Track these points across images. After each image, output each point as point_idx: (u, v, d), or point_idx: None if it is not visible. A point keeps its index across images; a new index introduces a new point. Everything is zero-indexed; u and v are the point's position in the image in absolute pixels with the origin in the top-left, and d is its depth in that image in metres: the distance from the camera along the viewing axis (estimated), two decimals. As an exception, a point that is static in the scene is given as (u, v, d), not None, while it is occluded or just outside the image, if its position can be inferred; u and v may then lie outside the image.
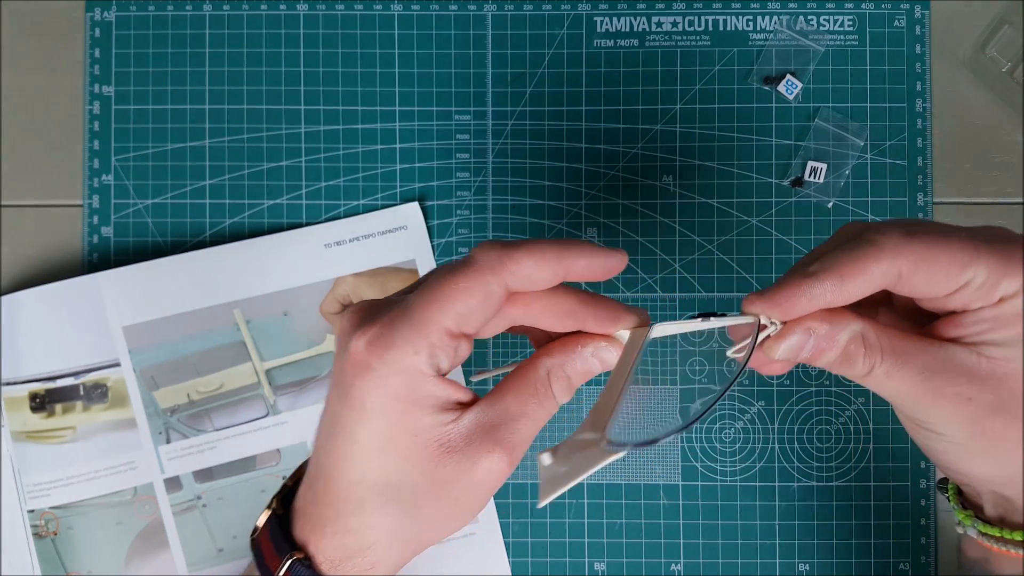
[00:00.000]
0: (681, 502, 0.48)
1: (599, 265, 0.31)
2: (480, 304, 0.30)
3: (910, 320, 0.33)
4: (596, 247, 0.31)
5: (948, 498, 0.36)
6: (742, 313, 0.31)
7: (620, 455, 0.29)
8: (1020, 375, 0.29)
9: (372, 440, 0.30)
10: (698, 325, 0.31)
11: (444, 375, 0.31)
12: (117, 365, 0.48)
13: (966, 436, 0.30)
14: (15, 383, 0.48)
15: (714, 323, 0.31)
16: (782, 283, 0.30)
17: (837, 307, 0.30)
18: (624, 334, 0.32)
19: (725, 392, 0.32)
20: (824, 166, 0.49)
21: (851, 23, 0.50)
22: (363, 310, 0.31)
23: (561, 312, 0.31)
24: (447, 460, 0.30)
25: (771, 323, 0.30)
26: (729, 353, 0.31)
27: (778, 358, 0.31)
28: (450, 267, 0.30)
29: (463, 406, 0.31)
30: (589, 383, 0.47)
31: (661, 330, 0.32)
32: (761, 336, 0.30)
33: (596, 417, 0.30)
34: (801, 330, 0.30)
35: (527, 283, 0.30)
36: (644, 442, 0.29)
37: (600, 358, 0.32)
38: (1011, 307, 0.29)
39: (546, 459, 0.30)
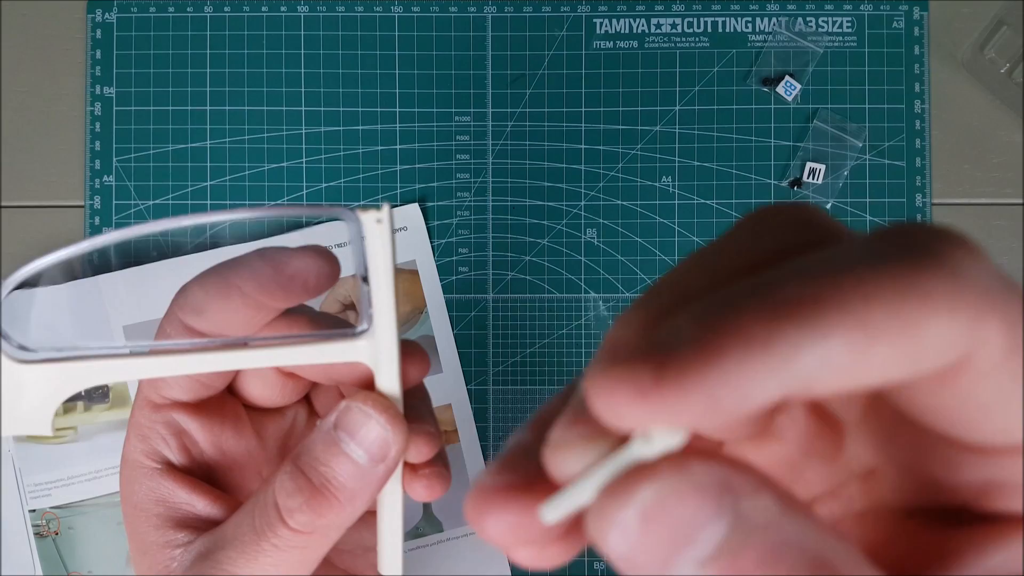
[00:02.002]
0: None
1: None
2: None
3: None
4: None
5: None
6: (587, 398, 0.14)
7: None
8: None
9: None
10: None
11: (188, 471, 0.24)
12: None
13: None
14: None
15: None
16: (719, 330, 0.13)
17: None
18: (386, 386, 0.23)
19: None
20: (823, 167, 0.49)
21: (849, 24, 0.50)
22: None
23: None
24: None
25: (649, 437, 0.14)
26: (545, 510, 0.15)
27: (610, 545, 0.14)
28: None
29: (208, 524, 0.24)
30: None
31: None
32: (613, 467, 0.14)
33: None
34: (705, 474, 0.14)
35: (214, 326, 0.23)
36: None
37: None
38: None
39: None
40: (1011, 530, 0.15)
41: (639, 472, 0.14)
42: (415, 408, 0.24)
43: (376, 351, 0.22)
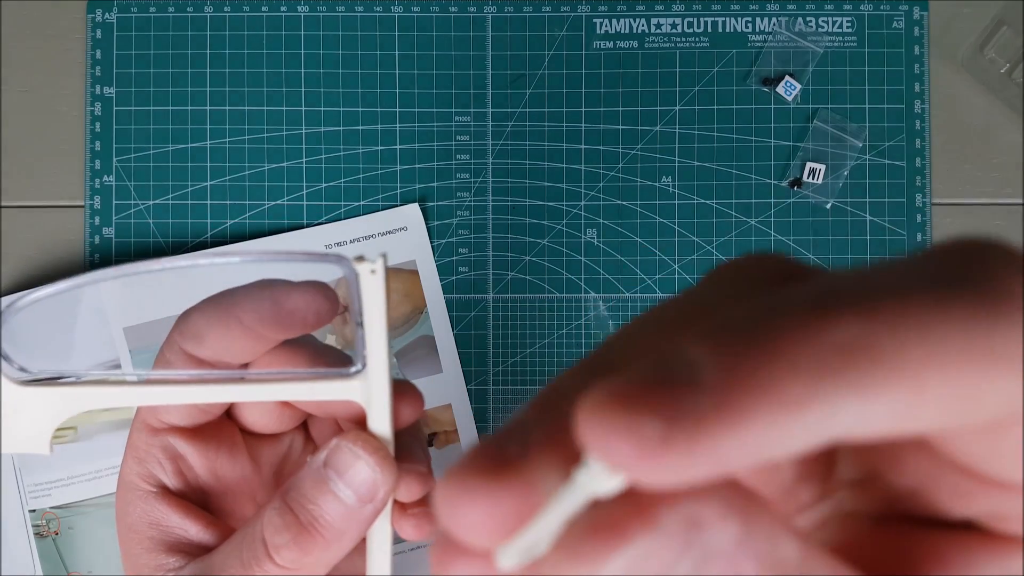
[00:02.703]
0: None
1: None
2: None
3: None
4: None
5: None
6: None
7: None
8: None
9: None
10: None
11: (183, 495, 0.24)
12: (118, 366, 0.49)
13: None
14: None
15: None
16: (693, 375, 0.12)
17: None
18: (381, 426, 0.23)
19: None
20: (823, 167, 0.49)
21: (849, 24, 0.50)
22: None
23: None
24: None
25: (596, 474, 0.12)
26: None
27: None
28: None
29: (200, 550, 0.24)
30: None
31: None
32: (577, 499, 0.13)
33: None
34: (673, 521, 0.12)
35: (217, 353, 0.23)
36: None
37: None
38: None
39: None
40: (999, 542, 0.14)
41: (604, 535, 0.12)
42: (407, 446, 0.24)
43: (368, 392, 0.22)
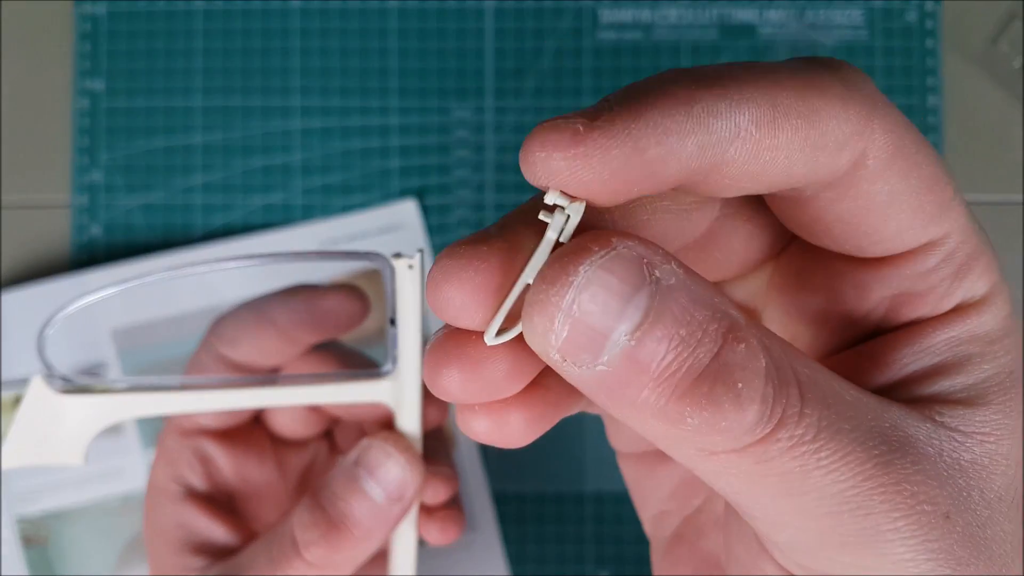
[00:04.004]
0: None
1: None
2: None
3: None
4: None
5: None
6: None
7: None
8: (1014, 463, 0.16)
9: None
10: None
11: (211, 498, 0.24)
12: (101, 367, 0.47)
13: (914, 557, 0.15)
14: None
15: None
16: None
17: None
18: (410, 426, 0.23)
19: None
20: (833, 163, 0.48)
21: (861, 17, 0.48)
22: None
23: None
24: None
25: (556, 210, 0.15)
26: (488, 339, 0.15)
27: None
28: None
29: (225, 552, 0.24)
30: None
31: None
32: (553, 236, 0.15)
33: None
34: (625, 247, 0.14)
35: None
36: None
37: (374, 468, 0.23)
38: (973, 291, 0.17)
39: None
40: (918, 331, 0.17)
41: (568, 258, 0.14)
42: (433, 450, 0.25)
43: (399, 392, 0.22)
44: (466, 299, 0.15)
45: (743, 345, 0.14)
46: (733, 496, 0.15)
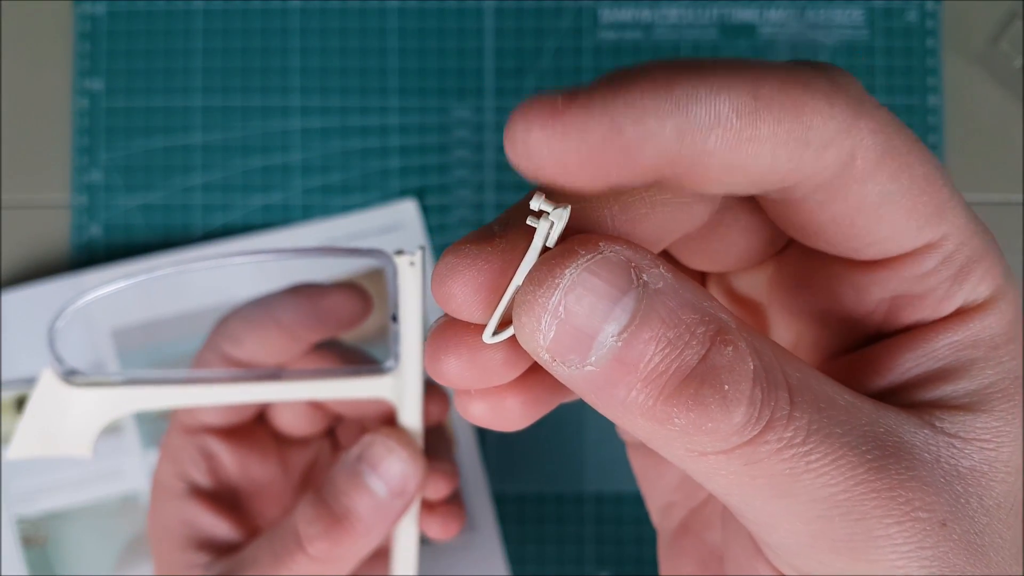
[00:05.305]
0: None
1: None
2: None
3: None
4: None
5: None
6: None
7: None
8: (1014, 470, 0.16)
9: None
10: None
11: (214, 495, 0.25)
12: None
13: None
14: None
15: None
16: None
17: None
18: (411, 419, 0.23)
19: None
20: (833, 163, 0.48)
21: (861, 16, 0.48)
22: None
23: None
24: None
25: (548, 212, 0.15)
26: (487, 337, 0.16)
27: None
28: None
29: (229, 549, 0.25)
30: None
31: None
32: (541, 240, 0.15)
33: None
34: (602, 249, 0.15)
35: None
36: None
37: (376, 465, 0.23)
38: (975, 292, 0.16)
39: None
40: (920, 335, 0.17)
41: (555, 261, 0.14)
42: (434, 446, 0.25)
43: (401, 388, 0.22)
44: (468, 296, 0.15)
45: (731, 348, 0.14)
46: (725, 497, 0.15)
